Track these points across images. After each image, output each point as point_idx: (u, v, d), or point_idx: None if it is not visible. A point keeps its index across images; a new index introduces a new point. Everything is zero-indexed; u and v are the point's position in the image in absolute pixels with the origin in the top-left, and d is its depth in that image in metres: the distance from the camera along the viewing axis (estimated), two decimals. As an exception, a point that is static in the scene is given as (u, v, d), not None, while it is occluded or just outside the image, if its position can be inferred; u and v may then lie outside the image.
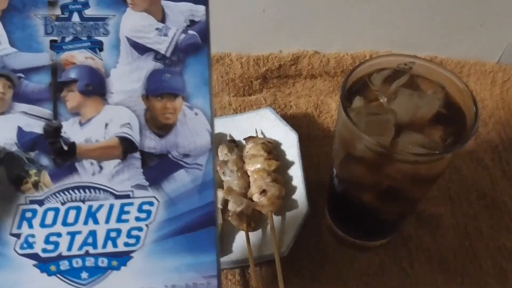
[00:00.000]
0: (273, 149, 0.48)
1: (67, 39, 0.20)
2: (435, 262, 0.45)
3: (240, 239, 0.44)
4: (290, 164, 0.49)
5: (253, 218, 0.44)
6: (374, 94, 0.35)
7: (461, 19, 0.57)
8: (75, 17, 0.20)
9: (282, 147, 0.51)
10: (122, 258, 0.21)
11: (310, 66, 0.59)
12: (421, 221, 0.47)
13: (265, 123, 0.52)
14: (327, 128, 0.55)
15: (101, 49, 0.20)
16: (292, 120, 0.54)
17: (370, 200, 0.38)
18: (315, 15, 0.56)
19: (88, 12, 0.20)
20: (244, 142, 0.50)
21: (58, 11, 0.20)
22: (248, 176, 0.47)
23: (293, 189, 0.47)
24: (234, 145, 0.49)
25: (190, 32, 0.22)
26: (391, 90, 0.35)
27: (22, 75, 0.20)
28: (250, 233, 0.43)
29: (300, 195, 0.46)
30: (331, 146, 0.41)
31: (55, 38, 0.20)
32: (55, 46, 0.20)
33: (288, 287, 0.39)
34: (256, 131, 0.51)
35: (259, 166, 0.46)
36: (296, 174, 0.48)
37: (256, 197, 0.44)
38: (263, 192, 0.44)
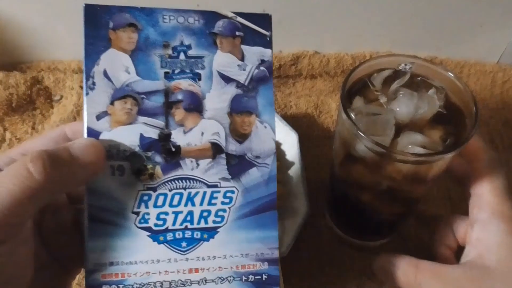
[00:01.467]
0: (273, 149, 0.48)
1: (175, 71, 0.27)
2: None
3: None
4: (290, 164, 0.49)
5: (253, 218, 0.44)
6: (374, 94, 0.35)
7: (461, 19, 0.57)
8: (182, 56, 0.27)
9: (282, 147, 0.50)
10: (211, 232, 0.27)
11: (310, 66, 0.59)
12: (421, 221, 0.47)
13: (265, 123, 0.52)
14: (327, 128, 0.55)
15: (199, 79, 0.28)
16: (292, 120, 0.54)
17: (370, 200, 0.38)
18: (315, 15, 0.56)
19: (190, 52, 0.28)
20: (244, 142, 0.50)
21: (170, 51, 0.27)
22: (248, 176, 0.47)
23: (293, 189, 0.47)
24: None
25: (261, 68, 0.29)
26: (391, 90, 0.35)
27: (144, 96, 0.27)
28: (250, 233, 0.43)
29: (300, 195, 0.46)
30: (331, 146, 0.41)
31: (168, 70, 0.27)
32: (167, 76, 0.27)
33: (288, 287, 0.39)
34: (256, 131, 0.51)
35: (259, 166, 0.46)
36: (296, 174, 0.48)
37: (256, 197, 0.44)
38: (263, 192, 0.44)
